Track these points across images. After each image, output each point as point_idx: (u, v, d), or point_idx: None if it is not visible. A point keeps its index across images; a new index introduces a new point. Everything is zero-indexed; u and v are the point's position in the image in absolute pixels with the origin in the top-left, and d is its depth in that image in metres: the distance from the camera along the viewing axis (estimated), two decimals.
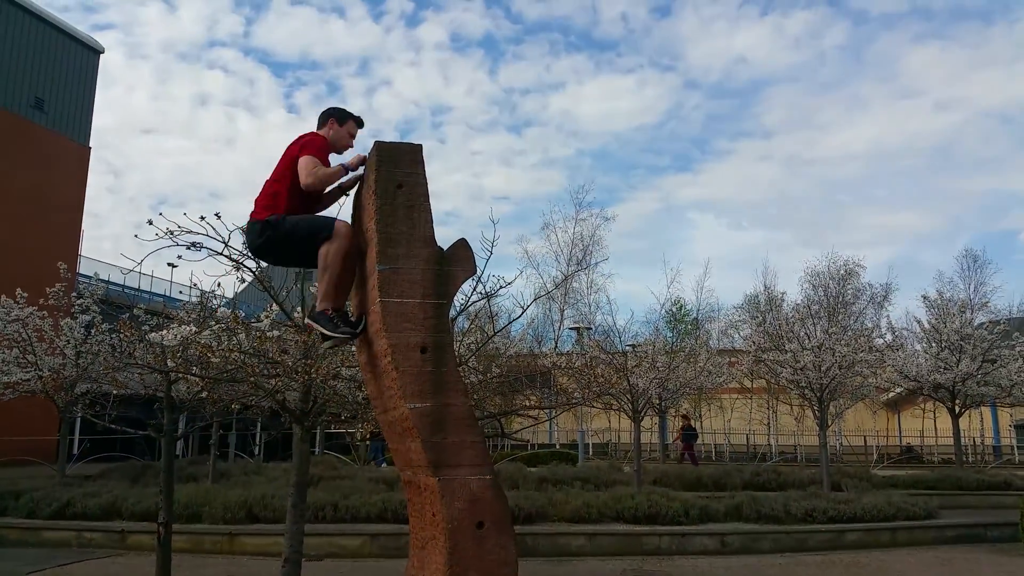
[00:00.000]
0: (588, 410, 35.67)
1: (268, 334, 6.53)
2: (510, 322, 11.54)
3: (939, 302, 24.71)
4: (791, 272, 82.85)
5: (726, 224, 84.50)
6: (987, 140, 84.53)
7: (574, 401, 15.25)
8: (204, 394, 7.08)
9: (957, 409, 23.41)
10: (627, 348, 21.58)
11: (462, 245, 3.86)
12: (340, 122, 4.34)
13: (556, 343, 36.78)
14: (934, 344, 23.49)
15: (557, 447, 31.35)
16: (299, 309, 7.32)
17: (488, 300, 9.78)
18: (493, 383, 10.68)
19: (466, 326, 14.81)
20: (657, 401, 22.34)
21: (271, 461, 21.70)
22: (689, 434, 27.65)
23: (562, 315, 40.29)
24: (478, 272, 9.78)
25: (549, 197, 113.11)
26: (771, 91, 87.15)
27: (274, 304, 7.05)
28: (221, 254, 6.20)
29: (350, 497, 12.45)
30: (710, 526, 13.07)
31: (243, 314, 7.42)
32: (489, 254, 9.60)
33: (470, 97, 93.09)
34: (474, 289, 9.65)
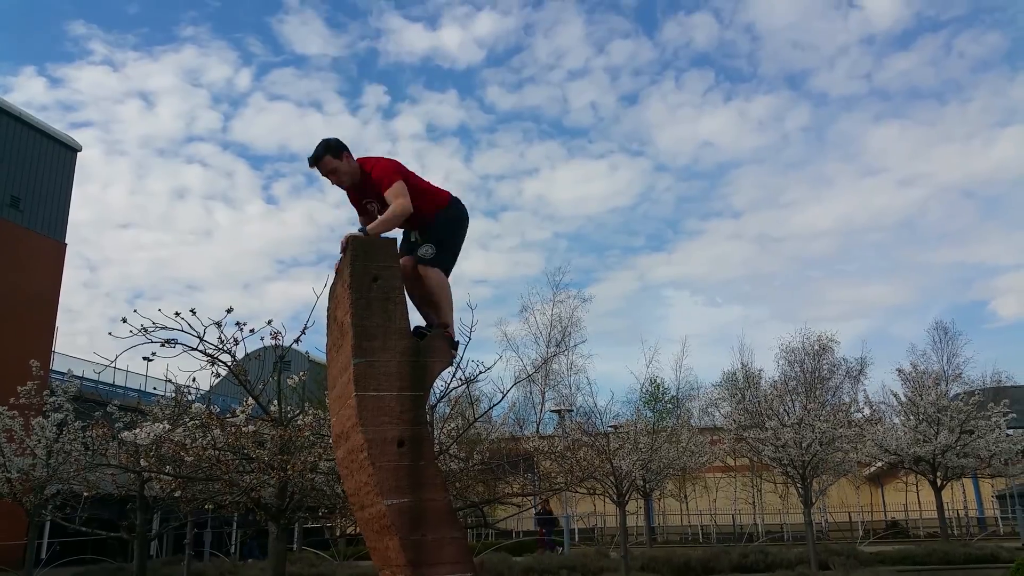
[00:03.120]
0: (573, 495, 35.09)
1: (244, 429, 6.46)
2: (491, 407, 11.51)
3: (914, 375, 24.95)
4: (767, 348, 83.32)
5: (701, 301, 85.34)
6: (950, 214, 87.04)
7: (557, 487, 15.03)
8: (178, 493, 6.92)
9: (939, 482, 23.33)
10: (609, 429, 21.47)
11: (438, 335, 3.92)
12: (351, 156, 4.39)
13: (538, 426, 36.45)
14: (911, 417, 23.59)
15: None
16: (275, 402, 7.27)
17: (468, 385, 9.76)
18: (475, 470, 10.56)
19: (447, 412, 14.72)
20: (641, 483, 22.08)
21: (248, 559, 20.94)
22: (545, 519, 26.59)
23: (543, 397, 40.07)
24: (457, 358, 9.84)
25: (527, 280, 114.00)
26: (738, 172, 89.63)
27: (250, 398, 6.99)
28: (196, 349, 6.19)
29: None
30: None
31: (217, 409, 7.35)
32: (468, 339, 9.68)
33: (447, 183, 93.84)
34: (454, 375, 9.66)
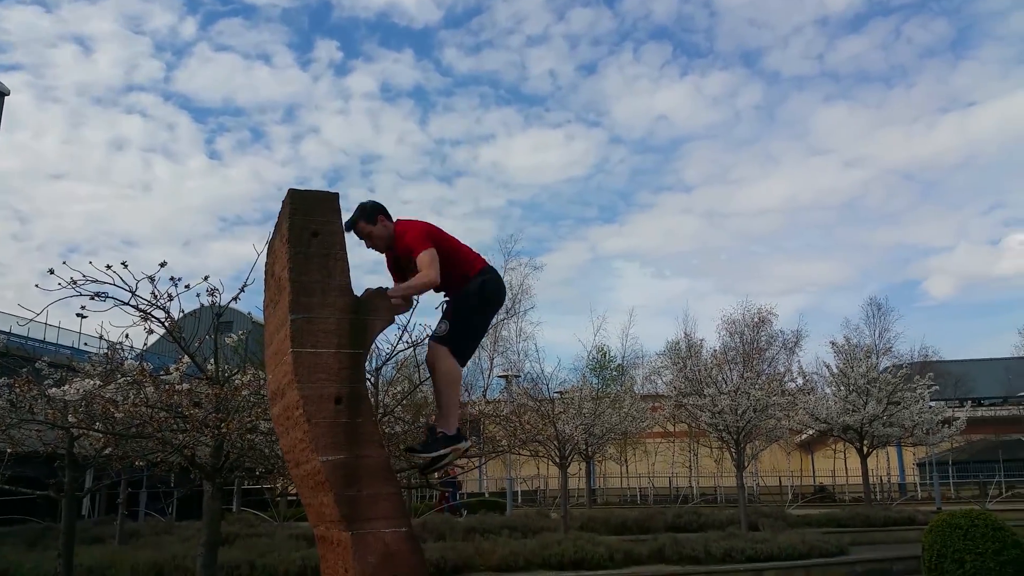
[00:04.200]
0: (517, 458, 35.52)
1: (178, 387, 6.33)
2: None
3: (846, 348, 25.85)
4: (710, 319, 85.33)
5: (650, 273, 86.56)
6: (891, 196, 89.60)
7: (501, 449, 15.19)
8: (108, 450, 6.77)
9: (865, 449, 24.35)
10: (555, 395, 21.72)
11: (378, 293, 3.87)
12: (388, 218, 4.23)
13: (485, 391, 36.68)
14: (842, 388, 24.49)
15: (486, 496, 31.02)
16: (211, 361, 7.13)
17: (415, 349, 9.73)
18: (420, 432, 10.57)
19: (393, 375, 14.66)
20: (583, 447, 22.47)
21: (185, 520, 20.70)
22: (448, 482, 27.15)
23: (491, 363, 40.28)
24: (406, 321, 9.78)
25: (479, 246, 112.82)
26: (691, 147, 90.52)
27: (185, 357, 6.85)
28: (128, 304, 6.02)
29: (267, 555, 11.98)
30: (634, 569, 13.15)
31: (151, 367, 7.18)
32: (416, 302, 9.64)
33: (401, 146, 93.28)
34: (400, 338, 9.62)
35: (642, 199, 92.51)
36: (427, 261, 3.83)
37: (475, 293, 4.01)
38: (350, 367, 3.66)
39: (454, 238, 4.19)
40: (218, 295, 6.89)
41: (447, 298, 4.22)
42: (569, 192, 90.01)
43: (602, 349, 40.20)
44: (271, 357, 4.07)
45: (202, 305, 7.02)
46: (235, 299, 7.17)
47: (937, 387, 26.98)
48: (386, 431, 10.17)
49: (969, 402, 31.86)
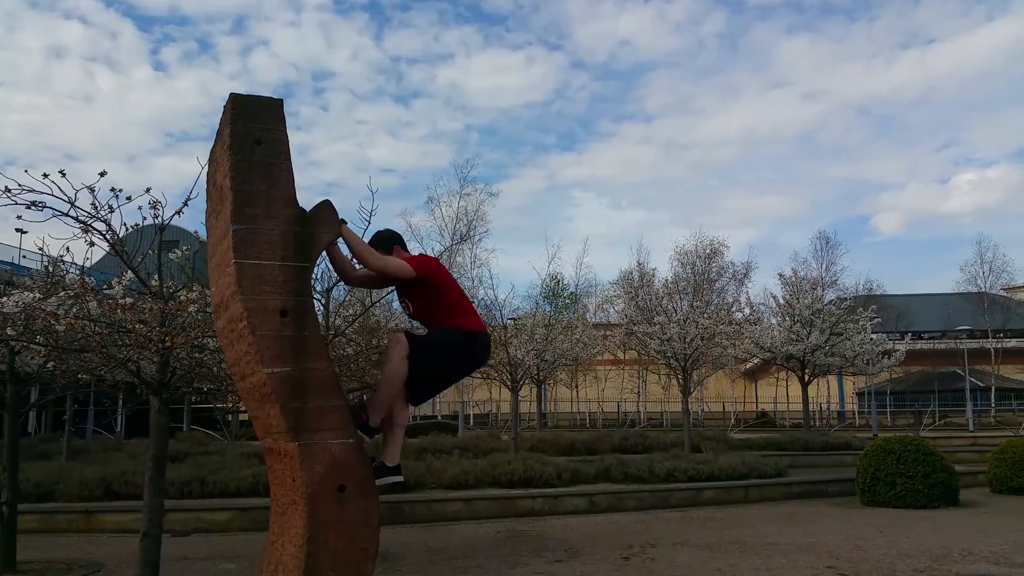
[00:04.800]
0: (469, 382, 35.93)
1: (121, 301, 6.18)
2: (389, 291, 11.41)
3: (793, 280, 26.42)
4: (664, 250, 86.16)
5: (607, 204, 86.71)
6: (847, 131, 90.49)
7: None
8: (51, 365, 6.64)
9: (806, 378, 25.20)
10: (508, 321, 21.88)
11: (325, 206, 3.79)
12: (404, 250, 4.18)
13: None
14: (787, 318, 25.14)
15: (439, 418, 31.49)
16: (155, 277, 6.97)
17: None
18: (371, 354, 10.58)
19: (344, 297, 14.56)
20: (535, 371, 22.81)
21: (134, 438, 20.63)
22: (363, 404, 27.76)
23: None
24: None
25: (435, 171, 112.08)
26: (653, 75, 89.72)
27: (128, 271, 6.68)
28: (66, 215, 5.81)
29: (218, 472, 12.07)
30: (581, 487, 13.59)
31: (93, 281, 7.00)
32: (367, 223, 9.50)
33: (354, 63, 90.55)
34: (351, 259, 9.51)
35: (602, 128, 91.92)
36: (389, 260, 3.81)
37: (453, 346, 3.85)
38: (295, 280, 3.60)
39: (459, 288, 4.09)
40: (161, 208, 6.68)
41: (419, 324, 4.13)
42: (528, 118, 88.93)
43: (556, 277, 40.46)
44: (214, 269, 3.99)
45: (144, 218, 6.81)
46: (178, 213, 6.96)
47: (879, 320, 27.89)
48: (337, 353, 10.16)
49: (909, 335, 33.06)
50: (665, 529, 11.17)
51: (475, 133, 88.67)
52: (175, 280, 7.89)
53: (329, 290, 9.37)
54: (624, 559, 8.80)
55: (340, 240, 3.82)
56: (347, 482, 3.43)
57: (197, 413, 24.05)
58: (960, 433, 27.53)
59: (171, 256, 8.33)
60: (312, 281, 4.04)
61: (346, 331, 10.00)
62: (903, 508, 13.17)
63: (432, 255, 4.27)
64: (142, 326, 6.30)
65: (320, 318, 9.69)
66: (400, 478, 3.81)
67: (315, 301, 9.63)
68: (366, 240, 4.02)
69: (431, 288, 3.96)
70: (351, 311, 11.77)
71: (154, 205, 6.59)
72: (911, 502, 13.28)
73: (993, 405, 38.50)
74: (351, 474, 3.44)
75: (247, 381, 3.77)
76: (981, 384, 40.60)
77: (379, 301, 12.07)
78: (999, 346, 43.28)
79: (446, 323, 3.83)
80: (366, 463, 3.56)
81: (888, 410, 38.28)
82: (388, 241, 4.07)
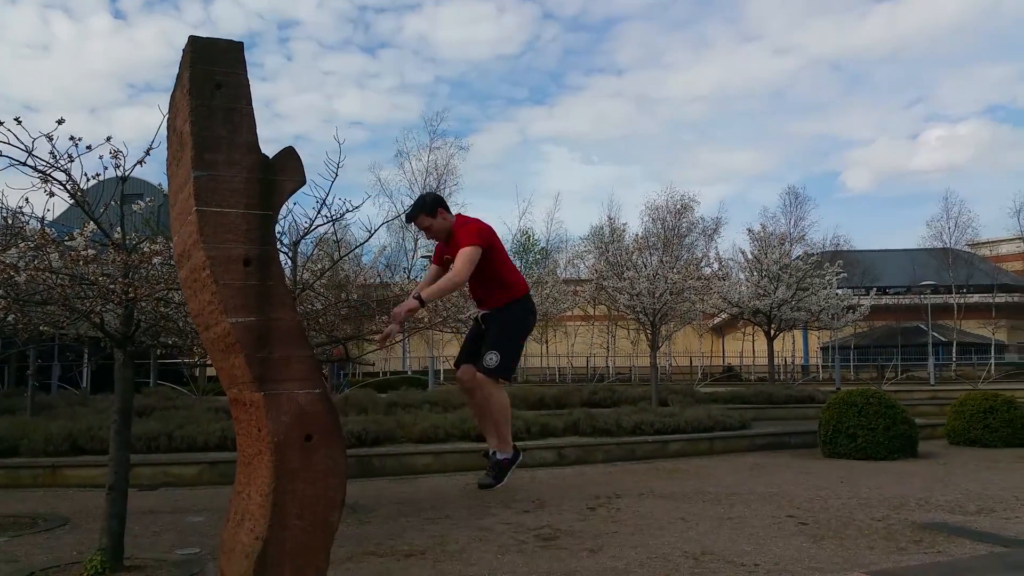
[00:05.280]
0: (440, 337, 36.00)
1: (83, 253, 6.05)
2: (358, 245, 11.34)
3: (762, 235, 26.69)
4: (635, 206, 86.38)
5: (579, 159, 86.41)
6: (818, 86, 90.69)
7: (422, 326, 15.31)
8: (11, 317, 6.50)
9: (772, 332, 25.64)
10: None
11: (289, 154, 3.70)
12: (448, 211, 4.09)
13: (409, 272, 36.57)
14: (755, 273, 25.45)
15: (409, 374, 31.58)
16: (118, 229, 6.82)
17: (334, 224, 9.52)
18: (340, 308, 10.52)
19: (311, 251, 14.39)
20: None
21: (99, 393, 20.41)
22: (335, 361, 27.82)
23: (416, 244, 40.02)
24: (324, 194, 9.51)
25: (405, 125, 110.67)
26: (624, 28, 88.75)
27: (90, 223, 6.52)
28: (24, 164, 5.63)
29: (185, 427, 12.01)
30: (549, 440, 13.77)
31: (54, 232, 6.83)
32: (335, 175, 9.35)
33: (320, 11, 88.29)
34: (319, 212, 9.38)
35: (573, 81, 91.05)
36: (466, 258, 3.70)
37: (523, 318, 3.95)
38: (259, 228, 3.53)
39: (505, 252, 4.08)
40: (122, 158, 6.51)
41: (484, 311, 4.05)
42: (499, 70, 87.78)
43: (527, 232, 40.43)
44: (176, 218, 3.89)
45: (105, 168, 6.64)
46: (140, 163, 6.80)
47: (845, 275, 28.35)
48: (305, 307, 10.08)
49: (874, 290, 33.65)
50: (631, 480, 11.38)
51: (445, 86, 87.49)
52: (139, 233, 7.74)
53: (296, 243, 9.24)
54: (590, 509, 8.97)
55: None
56: (314, 432, 3.42)
57: (164, 368, 23.84)
58: (921, 387, 28.28)
59: (134, 207, 8.15)
60: (280, 235, 3.99)
61: (314, 284, 9.90)
62: (864, 459, 13.54)
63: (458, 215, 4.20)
64: (105, 278, 6.17)
65: (287, 272, 9.59)
66: (521, 457, 3.87)
67: (282, 254, 9.50)
68: (412, 208, 3.99)
69: (491, 256, 3.96)
70: (319, 266, 11.65)
71: (115, 154, 6.41)
72: (872, 454, 13.66)
73: (954, 359, 39.52)
74: (318, 424, 3.43)
75: (211, 332, 3.71)
76: (943, 339, 41.60)
77: (348, 255, 11.96)
78: (962, 301, 44.24)
79: (506, 294, 3.86)
80: (333, 413, 3.54)
81: (852, 364, 39.13)
82: (434, 205, 4.06)
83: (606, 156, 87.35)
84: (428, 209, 3.99)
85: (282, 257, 9.60)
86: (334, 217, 8.92)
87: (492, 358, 3.82)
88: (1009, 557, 6.61)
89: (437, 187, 40.20)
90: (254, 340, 3.41)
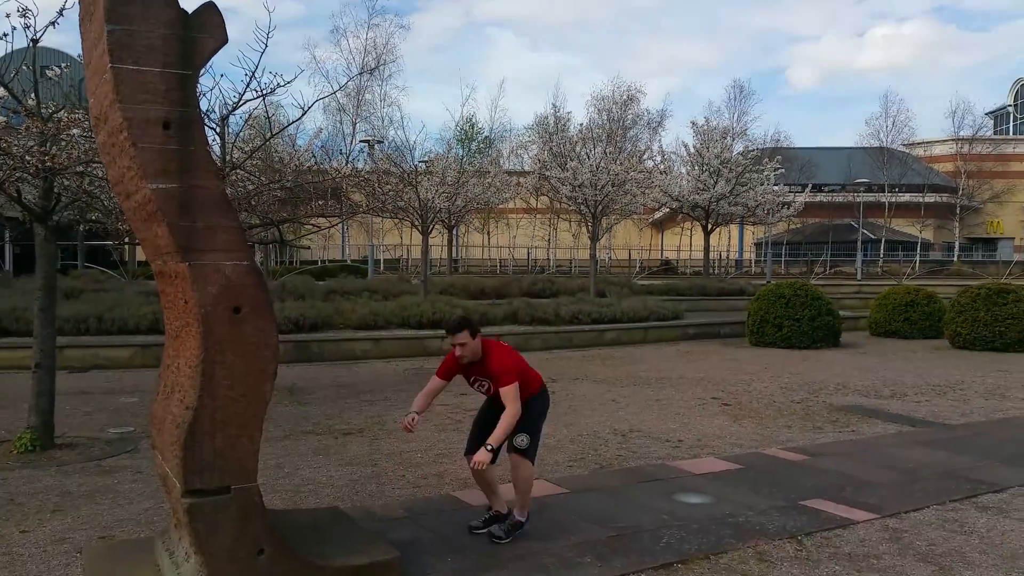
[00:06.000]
0: (380, 226, 35.62)
1: None
2: (290, 123, 10.90)
3: (705, 128, 26.67)
4: (580, 96, 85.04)
5: (526, 44, 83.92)
6: None
7: (360, 210, 15.07)
8: None
9: (709, 227, 26.08)
10: (420, 164, 21.44)
11: (210, 9, 3.44)
12: (473, 335, 4.25)
13: (348, 157, 35.62)
14: (696, 167, 25.61)
15: (348, 262, 31.30)
16: (32, 96, 6.39)
17: (264, 99, 9.09)
18: (273, 189, 10.20)
19: (242, 130, 13.81)
20: (446, 216, 22.71)
21: (22, 275, 19.70)
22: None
23: (354, 128, 38.85)
24: (253, 67, 9.02)
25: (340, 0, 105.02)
26: None
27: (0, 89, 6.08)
28: None
29: (115, 309, 11.73)
30: (489, 329, 13.91)
31: None
32: (264, 46, 8.85)
33: None
34: (248, 85, 8.92)
35: None
36: (513, 395, 4.09)
37: (543, 411, 4.42)
38: (179, 89, 3.32)
39: (524, 361, 4.42)
40: (32, 17, 6.04)
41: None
42: None
43: (470, 120, 39.57)
44: (91, 78, 3.63)
45: (14, 27, 6.15)
46: (53, 24, 6.33)
47: (783, 171, 28.72)
48: (236, 189, 9.75)
49: (809, 187, 34.33)
50: (567, 366, 11.67)
51: None
52: (56, 102, 7.28)
53: (224, 119, 8.82)
54: None
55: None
56: (242, 304, 3.34)
57: (93, 251, 23.09)
58: (848, 282, 29.39)
59: (48, 74, 7.63)
60: (208, 112, 3.76)
61: (243, 164, 9.55)
62: (788, 348, 14.15)
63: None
64: (18, 148, 5.82)
65: (216, 149, 9.20)
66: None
67: (209, 130, 9.05)
68: (455, 334, 4.26)
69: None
70: (251, 145, 11.21)
71: (23, 13, 5.93)
72: (796, 343, 14.27)
73: (882, 256, 41.00)
74: (246, 296, 3.35)
75: (132, 200, 3.54)
76: (873, 236, 42.99)
77: (279, 134, 11.53)
78: (893, 200, 45.49)
79: (527, 393, 4.26)
80: (262, 286, 3.46)
81: (784, 259, 40.29)
82: (474, 330, 4.31)
83: (554, 43, 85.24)
84: (471, 330, 4.25)
85: (209, 134, 9.18)
86: (264, 92, 8.52)
87: (523, 440, 4.25)
88: (916, 435, 7.08)
89: (376, 68, 38.71)
90: (176, 208, 3.27)
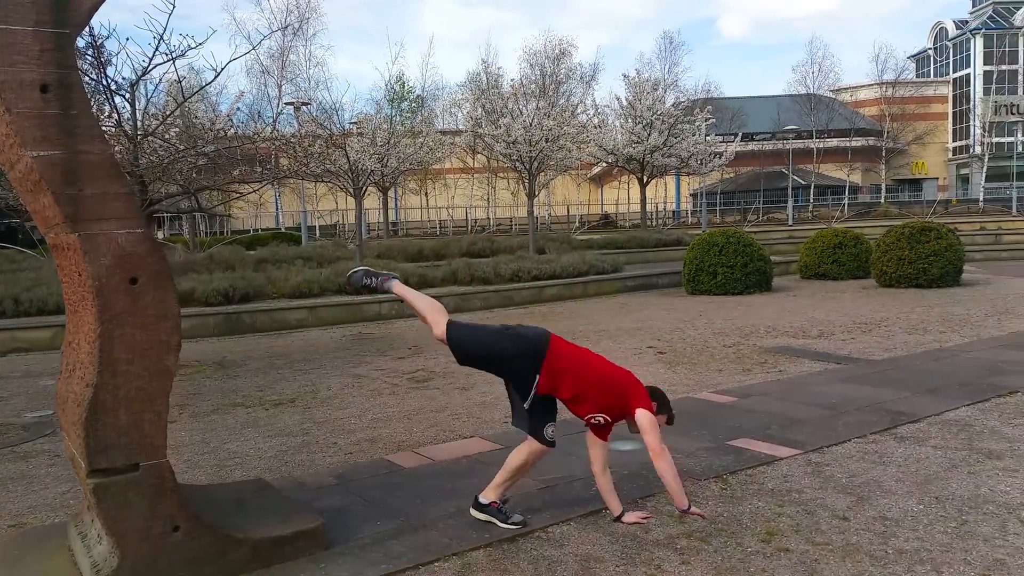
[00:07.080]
0: (314, 191, 34.84)
1: None
2: (204, 85, 10.46)
3: (637, 81, 26.66)
4: (513, 51, 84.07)
5: (457, 1, 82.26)
6: None
7: (285, 174, 14.67)
8: None
9: (645, 179, 26.26)
10: (350, 125, 20.95)
11: None
12: (658, 411, 3.80)
13: (275, 122, 34.59)
14: (630, 120, 25.65)
15: (282, 230, 30.65)
16: None
17: (174, 63, 8.69)
18: (190, 156, 9.83)
19: (162, 99, 13.26)
20: (379, 177, 22.34)
21: None
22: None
23: (280, 91, 37.76)
24: (162, 30, 8.60)
25: None
26: None
27: None
28: None
29: (33, 289, 11.25)
30: (427, 291, 13.76)
31: None
32: (172, 6, 8.43)
33: None
34: (156, 49, 8.51)
35: None
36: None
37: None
38: (55, 50, 3.10)
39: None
40: None
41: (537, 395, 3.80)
42: None
43: (400, 79, 38.80)
44: None
45: None
46: None
47: (714, 121, 29.01)
48: (150, 158, 9.37)
49: (740, 136, 34.70)
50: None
51: None
52: None
53: (134, 85, 8.42)
54: None
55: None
56: (139, 274, 3.18)
57: (9, 229, 22.09)
58: (780, 227, 30.05)
59: None
60: (117, 79, 3.51)
61: (157, 131, 9.15)
62: (723, 295, 14.41)
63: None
64: None
65: (127, 116, 8.79)
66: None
67: (120, 98, 8.63)
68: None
69: None
70: (167, 111, 10.73)
71: None
72: (730, 289, 14.54)
73: (812, 201, 41.97)
74: (143, 265, 3.19)
75: (16, 170, 3.33)
76: (803, 182, 43.92)
77: (192, 97, 11.08)
78: (821, 146, 46.48)
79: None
80: (159, 254, 3.30)
81: (718, 208, 40.92)
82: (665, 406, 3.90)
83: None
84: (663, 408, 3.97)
85: (120, 101, 8.76)
86: (174, 55, 8.15)
87: (550, 430, 3.86)
88: (841, 372, 7.29)
89: (300, 27, 37.53)
90: (61, 176, 3.08)
